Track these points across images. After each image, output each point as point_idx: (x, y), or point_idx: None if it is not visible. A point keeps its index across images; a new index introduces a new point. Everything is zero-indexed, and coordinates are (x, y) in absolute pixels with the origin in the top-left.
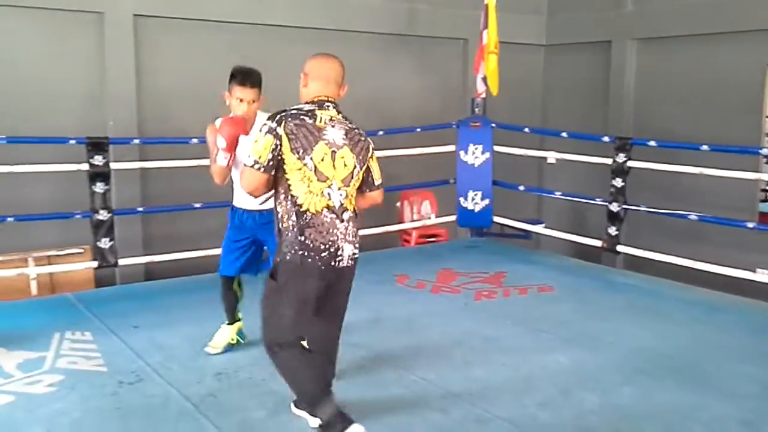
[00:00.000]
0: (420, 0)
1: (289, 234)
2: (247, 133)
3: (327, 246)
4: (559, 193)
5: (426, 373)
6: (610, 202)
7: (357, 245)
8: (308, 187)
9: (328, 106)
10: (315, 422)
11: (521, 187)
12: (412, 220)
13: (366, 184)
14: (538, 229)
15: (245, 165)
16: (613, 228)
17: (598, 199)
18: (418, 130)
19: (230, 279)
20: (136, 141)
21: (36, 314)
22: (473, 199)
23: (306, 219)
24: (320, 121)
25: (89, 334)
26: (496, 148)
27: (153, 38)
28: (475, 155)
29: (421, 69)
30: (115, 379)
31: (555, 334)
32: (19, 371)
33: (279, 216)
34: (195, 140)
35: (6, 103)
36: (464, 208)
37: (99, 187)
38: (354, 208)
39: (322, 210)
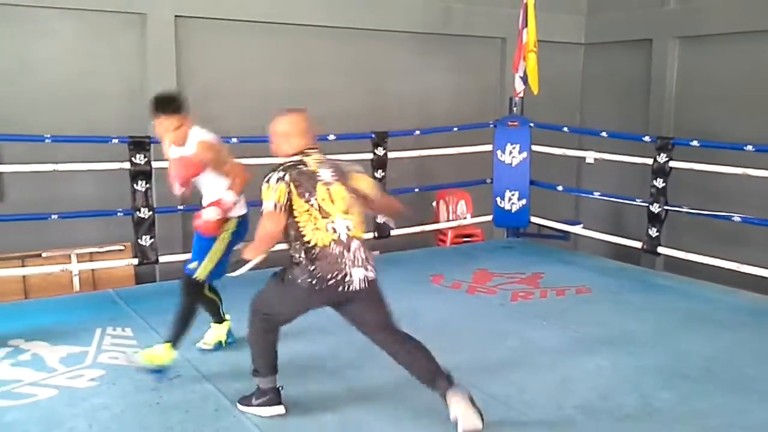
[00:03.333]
0: None
1: (301, 265)
2: (197, 176)
3: (334, 275)
4: (598, 193)
5: (461, 373)
6: (651, 203)
7: (369, 268)
8: (315, 225)
9: (311, 153)
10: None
11: (559, 188)
12: (448, 220)
13: (367, 201)
14: (576, 229)
15: (267, 211)
16: (654, 229)
17: (637, 200)
18: (455, 129)
19: (203, 285)
20: None
21: (78, 310)
22: (510, 199)
23: (315, 253)
24: (312, 167)
25: (130, 330)
26: (534, 148)
27: (193, 38)
28: (512, 155)
29: (458, 68)
30: (154, 375)
31: (593, 336)
32: (61, 365)
33: (293, 256)
34: (234, 139)
35: (50, 103)
36: (501, 208)
37: (140, 186)
38: (362, 237)
39: (329, 243)
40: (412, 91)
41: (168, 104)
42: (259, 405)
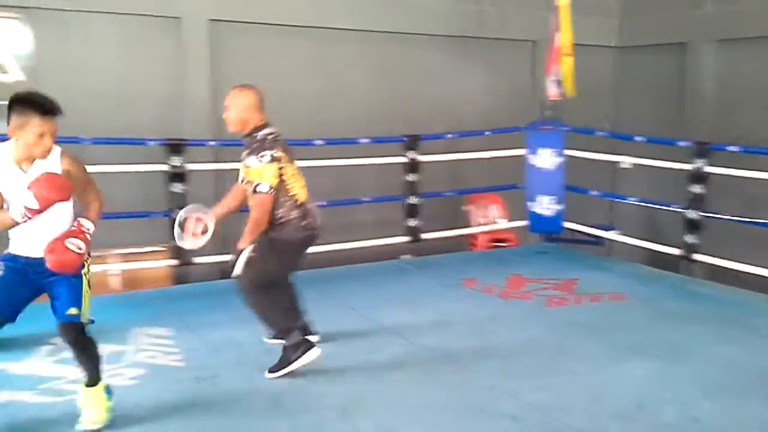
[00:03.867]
0: (488, 2)
1: (292, 221)
2: (68, 200)
3: (317, 224)
4: (633, 198)
5: (495, 378)
6: (688, 209)
7: None
8: (300, 183)
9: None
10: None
11: (594, 192)
12: (479, 224)
13: None
14: (611, 235)
15: (260, 192)
16: (691, 236)
17: (673, 206)
18: (487, 133)
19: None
20: (212, 143)
21: (117, 309)
22: (543, 203)
23: (304, 208)
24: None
25: (167, 330)
26: (567, 152)
27: (227, 42)
28: (545, 159)
29: (489, 71)
30: (192, 375)
31: (628, 343)
32: (102, 363)
33: (281, 217)
34: None
35: (89, 105)
36: (534, 213)
37: (177, 188)
38: None
39: (307, 199)
40: (443, 95)
41: (54, 104)
42: (297, 358)
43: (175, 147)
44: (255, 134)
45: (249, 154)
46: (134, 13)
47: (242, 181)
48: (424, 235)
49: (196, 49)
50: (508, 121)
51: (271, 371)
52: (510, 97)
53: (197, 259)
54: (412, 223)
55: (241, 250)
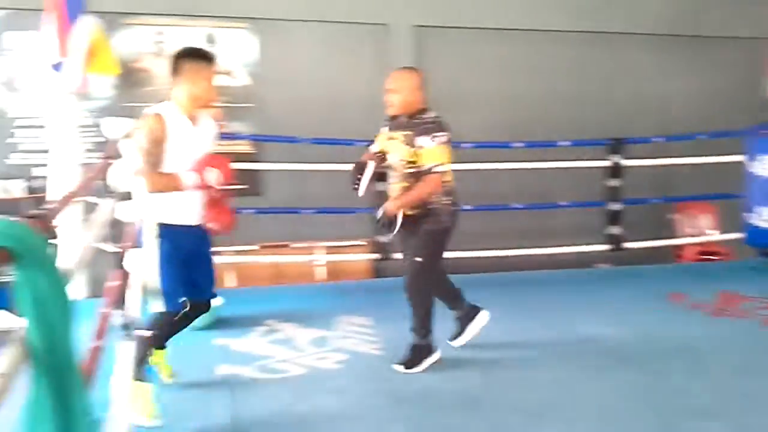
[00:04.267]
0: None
1: (445, 206)
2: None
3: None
4: None
5: (705, 398)
6: None
7: None
8: (450, 167)
9: None
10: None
11: None
12: (687, 235)
13: None
14: None
15: (436, 172)
16: None
17: None
18: (700, 137)
19: None
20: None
21: (323, 297)
22: (764, 215)
23: (452, 192)
24: None
25: (368, 319)
26: None
27: (430, 47)
28: (767, 166)
29: (703, 71)
30: (391, 364)
31: None
32: (310, 347)
33: (436, 201)
34: (467, 144)
35: (303, 107)
36: (752, 225)
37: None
38: None
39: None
40: (650, 96)
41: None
42: (425, 359)
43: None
44: (421, 116)
45: (418, 135)
46: (346, 21)
47: (399, 161)
48: (626, 244)
49: (400, 55)
50: (723, 124)
51: (404, 366)
52: (726, 99)
53: (396, 255)
54: (614, 230)
55: (391, 213)
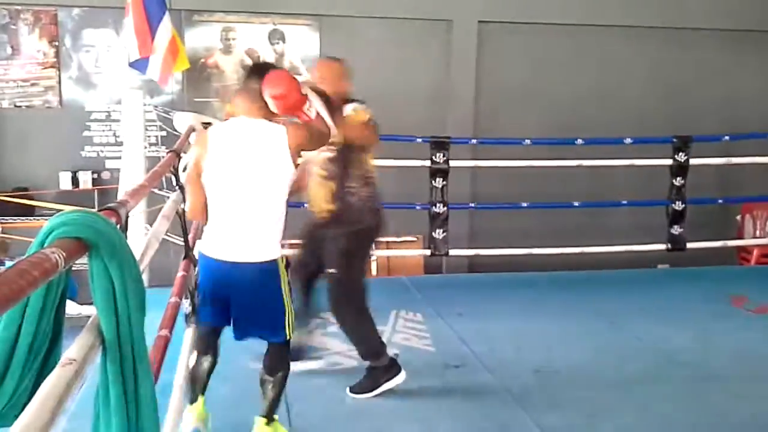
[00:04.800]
0: None
1: (364, 200)
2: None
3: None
4: None
5: (763, 406)
6: None
7: None
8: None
9: None
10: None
11: None
12: (755, 236)
13: None
14: None
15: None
16: None
17: None
18: None
19: None
20: (473, 141)
21: (376, 292)
22: None
23: (375, 186)
24: None
25: (420, 315)
26: None
27: (493, 42)
28: None
29: None
30: (441, 361)
31: None
32: None
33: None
34: (528, 141)
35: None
36: None
37: (438, 183)
38: None
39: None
40: (717, 94)
41: None
42: (387, 381)
43: (440, 144)
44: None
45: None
46: (410, 17)
47: (320, 152)
48: (689, 245)
49: (464, 50)
50: None
51: (353, 391)
52: None
53: (451, 252)
54: (676, 230)
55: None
